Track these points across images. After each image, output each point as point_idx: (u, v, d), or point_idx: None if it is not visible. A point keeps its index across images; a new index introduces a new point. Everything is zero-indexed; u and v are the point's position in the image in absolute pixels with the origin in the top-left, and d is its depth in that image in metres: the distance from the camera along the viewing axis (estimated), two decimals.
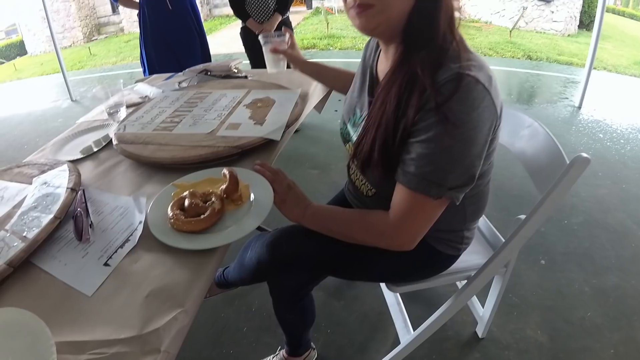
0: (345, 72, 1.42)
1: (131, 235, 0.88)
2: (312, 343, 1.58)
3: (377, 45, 1.08)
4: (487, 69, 0.82)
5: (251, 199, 0.94)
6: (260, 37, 1.47)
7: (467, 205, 1.05)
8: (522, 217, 1.10)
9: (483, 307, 1.62)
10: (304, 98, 1.45)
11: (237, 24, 3.35)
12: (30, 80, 7.33)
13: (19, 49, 13.35)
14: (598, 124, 3.87)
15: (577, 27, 9.96)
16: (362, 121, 1.02)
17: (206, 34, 3.39)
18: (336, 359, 1.63)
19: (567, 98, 4.60)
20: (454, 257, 1.18)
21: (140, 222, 0.90)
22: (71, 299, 0.76)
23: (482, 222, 1.44)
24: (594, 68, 4.77)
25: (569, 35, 9.60)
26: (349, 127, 1.11)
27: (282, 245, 1.12)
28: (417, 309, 1.73)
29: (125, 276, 0.79)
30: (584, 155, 0.96)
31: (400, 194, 0.88)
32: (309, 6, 13.10)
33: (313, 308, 1.38)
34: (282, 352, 1.55)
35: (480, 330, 1.66)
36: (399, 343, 1.52)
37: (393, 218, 0.90)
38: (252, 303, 1.85)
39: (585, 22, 10.20)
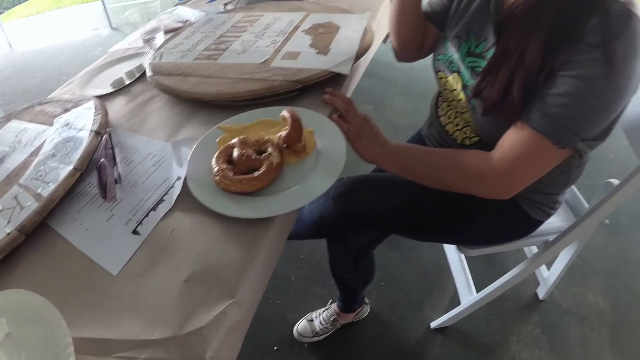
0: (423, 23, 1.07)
1: (166, 193, 0.69)
2: (365, 298, 1.50)
3: None
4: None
5: (318, 149, 0.73)
6: None
7: (573, 169, 0.92)
8: (614, 181, 1.00)
9: (548, 270, 1.54)
10: (373, 23, 1.19)
11: None
12: (70, 9, 7.18)
13: None
14: None
15: None
16: (483, 50, 0.83)
17: None
18: (390, 314, 1.56)
19: None
20: (540, 223, 1.04)
21: (179, 178, 0.71)
22: (93, 276, 0.61)
23: (575, 191, 1.29)
24: None
25: None
26: (458, 55, 0.89)
27: (353, 200, 0.98)
28: (478, 265, 1.63)
29: (158, 250, 0.61)
30: None
31: (518, 133, 0.73)
32: None
33: (373, 267, 1.29)
34: (334, 307, 1.48)
35: (541, 292, 1.59)
36: (457, 300, 1.47)
37: (500, 159, 0.75)
38: (301, 250, 1.78)
39: None
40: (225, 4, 1.46)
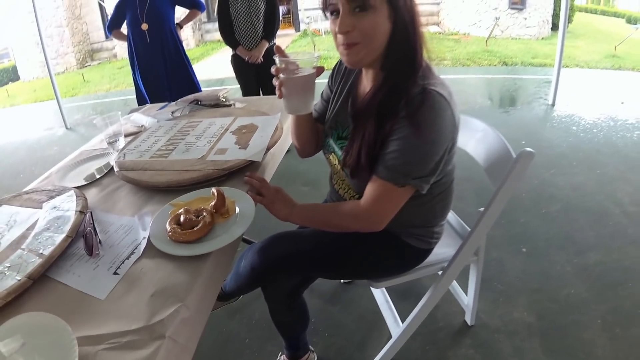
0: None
1: (136, 248, 1.03)
2: (310, 346, 1.68)
3: (352, 70, 1.26)
4: (448, 87, 1.04)
5: (237, 212, 1.10)
6: (277, 62, 1.09)
7: (436, 203, 1.23)
8: (482, 209, 1.28)
9: (467, 296, 1.76)
10: (284, 122, 1.61)
11: (228, 49, 3.53)
12: (23, 107, 7.42)
13: (11, 75, 13.40)
14: (571, 118, 4.21)
15: (550, 30, 10.33)
16: (347, 134, 1.20)
17: (192, 63, 3.65)
18: (336, 358, 1.74)
19: (541, 97, 4.99)
20: (427, 251, 1.33)
21: (144, 238, 1.05)
22: (86, 302, 0.90)
23: (453, 217, 1.60)
24: (567, 66, 5.23)
25: (542, 38, 10.05)
26: (332, 140, 1.27)
27: (273, 249, 1.28)
28: (408, 305, 1.77)
29: (132, 281, 0.93)
30: (528, 149, 1.16)
31: (372, 184, 1.08)
32: (297, 29, 13.39)
33: (307, 309, 1.52)
34: (283, 358, 1.65)
35: (468, 318, 1.80)
36: None
37: (364, 204, 1.09)
38: (253, 315, 1.97)
39: (558, 24, 10.59)
40: (173, 112, 1.85)
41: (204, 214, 1.06)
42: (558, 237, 2.36)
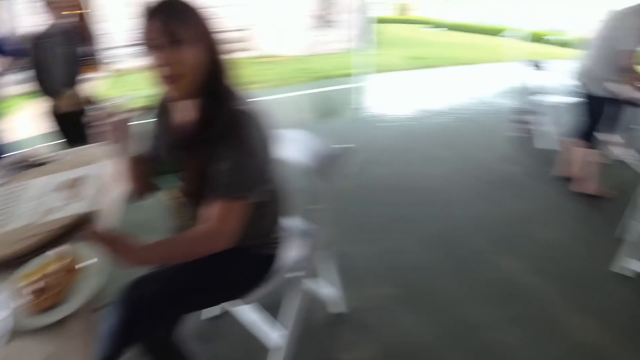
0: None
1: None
2: None
3: (165, 109, 1.32)
4: (254, 105, 1.17)
5: (88, 266, 1.12)
6: (94, 109, 1.20)
7: (270, 211, 1.35)
8: (312, 207, 1.50)
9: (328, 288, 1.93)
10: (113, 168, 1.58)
11: (32, 104, 3.28)
12: None
13: None
14: (381, 117, 5.09)
15: (357, 43, 11.43)
16: (178, 166, 1.26)
17: None
18: None
19: (350, 104, 5.78)
20: (274, 256, 1.42)
21: (4, 319, 0.99)
22: None
23: (296, 223, 1.69)
24: (374, 72, 6.02)
25: (350, 51, 11.00)
26: (166, 175, 1.31)
27: (134, 293, 1.19)
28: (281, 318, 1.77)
29: None
30: (347, 145, 1.42)
31: (213, 205, 1.14)
32: (104, 70, 12.63)
33: (187, 351, 1.43)
34: None
35: (338, 308, 1.98)
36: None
37: (211, 225, 1.13)
38: None
39: (364, 38, 11.94)
40: None
41: (56, 276, 1.06)
42: (394, 218, 2.78)
